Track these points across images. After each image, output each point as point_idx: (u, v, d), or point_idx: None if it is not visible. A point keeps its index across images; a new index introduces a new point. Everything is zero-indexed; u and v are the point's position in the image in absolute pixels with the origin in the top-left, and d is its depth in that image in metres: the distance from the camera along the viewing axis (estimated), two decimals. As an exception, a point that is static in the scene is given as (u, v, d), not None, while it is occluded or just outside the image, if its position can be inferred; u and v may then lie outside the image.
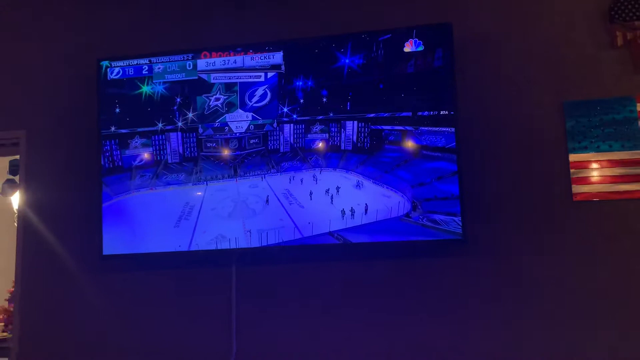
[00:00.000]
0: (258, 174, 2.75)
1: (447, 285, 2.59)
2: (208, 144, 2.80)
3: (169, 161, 2.83)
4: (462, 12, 2.71)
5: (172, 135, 2.82)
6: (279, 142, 2.73)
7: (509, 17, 2.70)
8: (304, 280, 2.72)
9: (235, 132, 2.78)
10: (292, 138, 2.71)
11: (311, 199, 2.65)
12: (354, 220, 2.59)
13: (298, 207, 2.66)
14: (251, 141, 2.76)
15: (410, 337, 2.59)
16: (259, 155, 2.75)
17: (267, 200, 2.69)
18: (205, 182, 2.81)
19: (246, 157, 2.77)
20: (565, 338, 2.47)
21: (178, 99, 2.82)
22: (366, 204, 2.59)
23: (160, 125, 2.83)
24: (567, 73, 2.61)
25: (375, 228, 2.57)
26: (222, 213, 2.75)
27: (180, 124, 2.81)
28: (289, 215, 2.66)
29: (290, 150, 2.71)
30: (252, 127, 2.76)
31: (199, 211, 2.77)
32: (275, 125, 2.73)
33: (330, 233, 2.61)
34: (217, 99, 2.79)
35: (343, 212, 2.60)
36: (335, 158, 2.67)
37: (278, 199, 2.69)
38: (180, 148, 2.82)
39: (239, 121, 2.77)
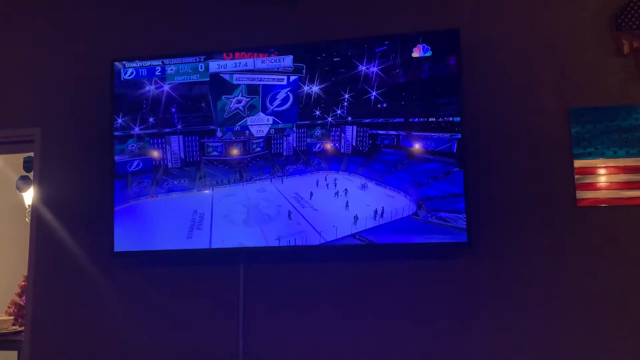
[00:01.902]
0: (264, 178, 2.70)
1: (464, 284, 2.63)
2: (211, 148, 2.73)
3: (169, 166, 2.76)
4: (468, 18, 2.73)
5: (174, 138, 2.77)
6: (282, 146, 2.70)
7: (514, 24, 2.71)
8: (326, 282, 2.74)
9: (255, 135, 2.72)
10: (295, 142, 2.69)
11: (322, 201, 2.64)
12: (375, 221, 2.58)
13: (312, 210, 2.65)
14: (254, 145, 2.71)
15: (427, 339, 2.63)
16: (262, 159, 2.70)
17: (290, 216, 2.64)
18: (211, 188, 2.72)
19: (250, 161, 2.72)
20: (570, 342, 2.49)
21: (186, 101, 2.77)
22: (382, 206, 2.59)
23: (166, 127, 2.78)
24: (573, 79, 2.63)
25: (393, 227, 2.58)
26: (237, 220, 2.67)
27: (187, 127, 2.76)
28: (305, 218, 2.64)
29: (293, 153, 2.69)
30: (272, 131, 2.71)
31: (211, 219, 2.68)
32: (295, 129, 2.69)
33: (353, 235, 2.60)
34: (239, 102, 2.71)
35: (356, 217, 2.60)
36: (336, 161, 2.67)
37: (291, 203, 2.66)
38: (182, 153, 2.75)
39: (260, 125, 2.71)
